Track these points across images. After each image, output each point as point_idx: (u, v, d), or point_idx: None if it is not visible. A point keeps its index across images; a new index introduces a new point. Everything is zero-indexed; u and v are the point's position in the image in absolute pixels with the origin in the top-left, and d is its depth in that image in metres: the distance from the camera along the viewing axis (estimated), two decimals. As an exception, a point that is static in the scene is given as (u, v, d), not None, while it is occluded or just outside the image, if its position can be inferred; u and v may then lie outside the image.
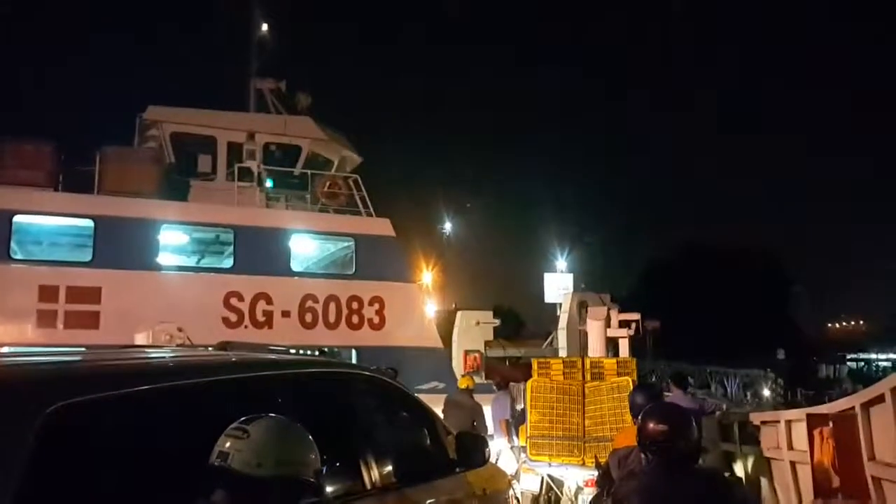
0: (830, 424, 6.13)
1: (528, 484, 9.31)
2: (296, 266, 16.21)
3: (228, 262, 15.69)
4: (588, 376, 9.26)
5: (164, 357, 4.11)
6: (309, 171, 17.16)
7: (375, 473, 4.01)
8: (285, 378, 3.96)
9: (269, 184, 16.76)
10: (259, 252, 15.37)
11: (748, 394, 27.50)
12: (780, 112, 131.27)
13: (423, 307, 17.24)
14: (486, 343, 21.55)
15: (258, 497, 2.39)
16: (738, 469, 8.69)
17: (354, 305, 15.90)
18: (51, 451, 2.46)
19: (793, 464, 7.11)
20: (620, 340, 15.69)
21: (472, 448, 5.05)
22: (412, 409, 5.16)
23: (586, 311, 17.21)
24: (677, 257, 69.09)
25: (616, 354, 14.98)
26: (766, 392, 26.90)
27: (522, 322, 44.08)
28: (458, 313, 22.02)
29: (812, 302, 72.12)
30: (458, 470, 4.93)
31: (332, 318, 15.62)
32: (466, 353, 20.65)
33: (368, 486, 3.92)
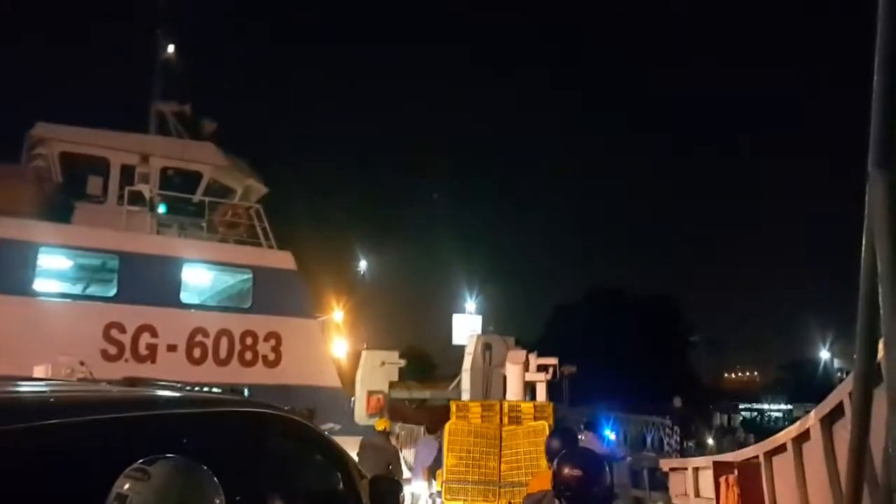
0: (735, 472, 6.32)
1: None
2: (186, 297, 15.50)
3: (111, 291, 14.80)
4: (506, 420, 9.30)
5: (59, 391, 3.92)
6: (206, 199, 16.52)
7: None
8: (193, 417, 3.85)
9: (161, 209, 16.02)
10: (146, 281, 14.59)
11: (648, 440, 27.96)
12: (689, 154, 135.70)
13: (323, 345, 16.76)
14: (391, 384, 21.05)
15: None
16: (647, 514, 8.83)
17: (248, 341, 15.27)
18: None
19: (699, 510, 7.27)
20: (538, 384, 15.78)
21: (386, 493, 5.02)
22: (326, 451, 5.05)
23: (490, 354, 17.26)
24: (582, 301, 70.40)
25: (533, 398, 15.05)
26: (665, 439, 27.44)
27: (434, 363, 44.03)
28: (363, 353, 21.62)
29: (710, 352, 74.70)
30: (370, 514, 4.81)
31: (223, 354, 14.92)
32: (370, 393, 19.97)
33: None
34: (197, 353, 14.57)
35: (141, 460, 2.39)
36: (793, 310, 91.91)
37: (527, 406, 9.98)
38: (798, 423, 5.58)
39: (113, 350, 13.86)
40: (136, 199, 15.45)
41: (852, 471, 3.06)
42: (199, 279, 16.43)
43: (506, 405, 9.76)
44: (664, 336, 65.24)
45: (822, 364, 56.22)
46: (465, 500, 9.15)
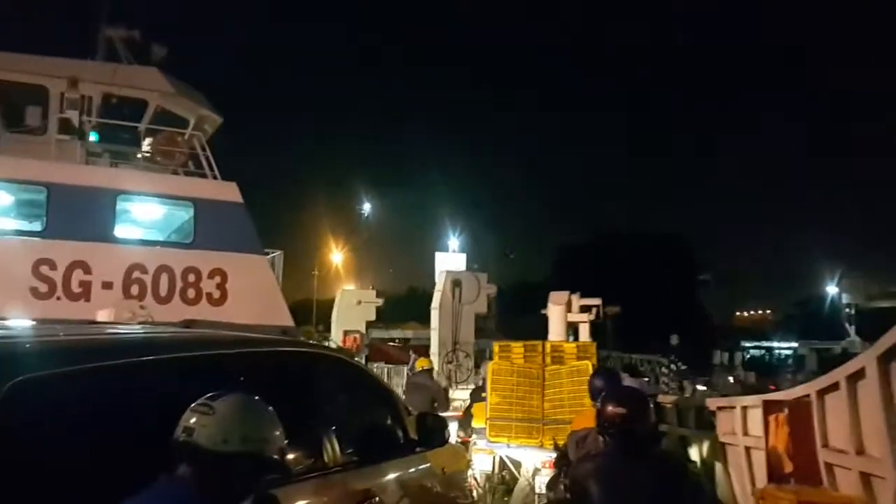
0: (786, 411, 6.43)
1: (482, 464, 9.45)
2: (121, 232, 14.84)
3: (39, 226, 14.25)
4: (548, 360, 9.42)
5: (126, 333, 4.13)
6: (142, 126, 15.82)
7: (337, 452, 4.24)
8: (249, 356, 4.14)
9: (93, 138, 15.24)
10: (76, 215, 13.95)
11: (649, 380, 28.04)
12: (699, 93, 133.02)
13: (273, 282, 16.04)
14: (368, 323, 20.93)
15: (222, 473, 2.55)
16: (694, 453, 8.92)
17: (191, 278, 14.59)
18: (11, 424, 2.62)
19: (747, 449, 7.47)
20: (580, 325, 15.81)
21: (433, 429, 5.39)
22: (374, 388, 5.29)
23: (460, 290, 17.12)
24: (589, 242, 70.38)
25: (576, 339, 15.13)
26: (661, 378, 27.37)
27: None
28: (339, 292, 21.41)
29: (721, 290, 74.40)
30: (418, 450, 5.10)
31: (163, 292, 14.32)
32: (346, 333, 20.04)
33: (329, 464, 4.15)
34: (135, 290, 14.01)
35: (206, 396, 2.63)
36: (806, 245, 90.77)
37: (569, 346, 10.16)
38: (852, 360, 5.56)
39: (43, 288, 13.44)
40: (68, 127, 14.72)
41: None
42: (135, 212, 15.79)
43: (548, 345, 9.97)
44: (673, 275, 65.05)
45: (829, 300, 55.11)
46: (508, 437, 9.35)
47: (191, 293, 14.47)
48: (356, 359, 5.60)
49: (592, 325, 16.30)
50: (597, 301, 16.53)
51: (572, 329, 16.42)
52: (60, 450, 2.73)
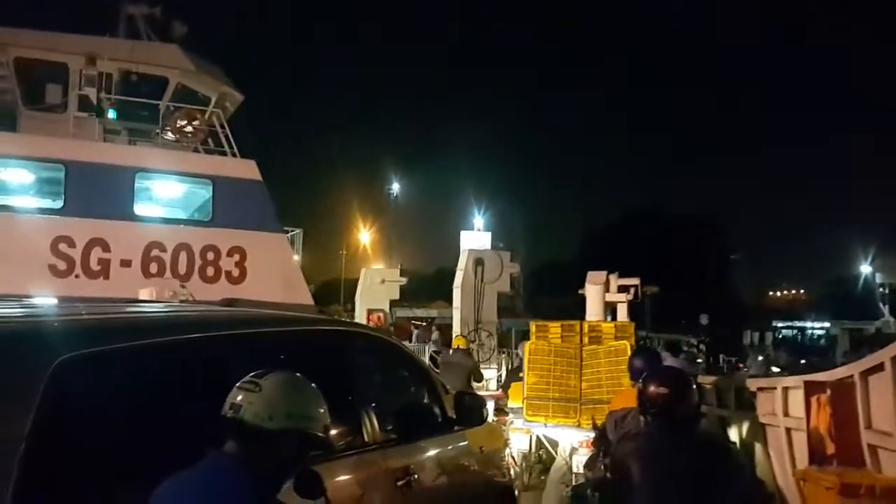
0: (828, 392, 6.35)
1: (519, 443, 9.48)
2: (140, 210, 14.91)
3: (58, 203, 14.34)
4: (586, 340, 9.41)
5: (172, 312, 4.23)
6: (160, 103, 15.80)
7: (376, 430, 4.35)
8: (292, 334, 4.26)
9: (111, 115, 15.29)
10: (95, 192, 14.02)
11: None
12: (734, 69, 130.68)
13: (292, 260, 16.13)
14: (392, 302, 20.86)
15: (268, 449, 2.60)
16: (733, 434, 8.86)
17: (210, 256, 14.63)
18: (59, 401, 2.68)
19: (788, 430, 7.44)
20: (619, 305, 15.71)
21: (471, 407, 5.43)
22: (412, 367, 5.40)
23: (482, 269, 16.96)
24: (618, 221, 69.88)
25: (614, 319, 15.06)
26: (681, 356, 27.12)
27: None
28: (363, 270, 21.25)
29: (753, 270, 73.42)
30: (456, 428, 5.12)
31: (182, 269, 14.33)
32: (370, 311, 19.97)
33: (369, 442, 4.25)
34: (153, 268, 14.09)
35: (252, 373, 2.68)
36: (839, 225, 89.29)
37: (607, 326, 10.18)
38: (898, 342, 5.46)
39: (62, 266, 13.56)
40: (86, 104, 14.81)
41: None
42: (153, 190, 15.91)
43: (586, 325, 9.97)
44: (704, 254, 64.38)
45: (862, 279, 54.11)
46: (546, 416, 9.37)
47: (209, 271, 14.55)
48: (394, 337, 5.62)
49: (630, 305, 16.19)
50: (635, 281, 16.42)
51: (610, 309, 16.34)
52: (107, 426, 2.80)
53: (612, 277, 16.24)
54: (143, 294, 10.13)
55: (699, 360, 24.31)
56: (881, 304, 44.18)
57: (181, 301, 7.94)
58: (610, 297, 16.08)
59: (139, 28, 16.78)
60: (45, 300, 5.41)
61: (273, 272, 14.98)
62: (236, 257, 14.73)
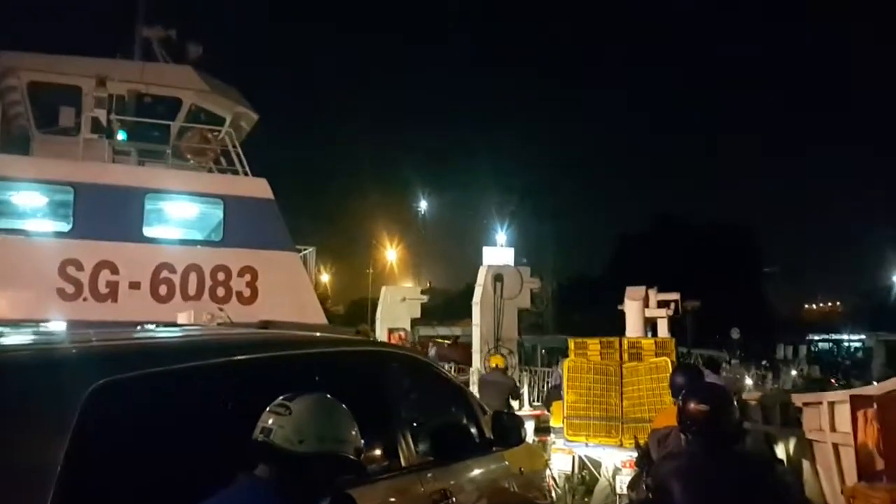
0: (875, 406, 6.17)
1: (561, 464, 9.34)
2: (150, 231, 14.80)
3: (66, 226, 14.26)
4: (626, 357, 9.30)
5: (206, 335, 4.24)
6: (174, 124, 15.80)
7: (412, 452, 4.32)
8: (326, 356, 4.23)
9: (121, 136, 15.21)
10: (104, 214, 13.91)
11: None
12: (770, 78, 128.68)
13: (306, 279, 15.85)
14: (413, 321, 20.50)
15: (299, 473, 2.60)
16: (780, 451, 8.68)
17: (221, 276, 14.45)
18: (94, 425, 2.70)
19: (835, 446, 7.28)
20: (659, 320, 15.46)
21: (509, 427, 5.35)
22: (448, 388, 5.30)
23: (501, 285, 16.72)
24: (648, 233, 69.03)
25: (654, 335, 14.81)
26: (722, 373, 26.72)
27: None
28: (383, 289, 21.00)
29: (791, 283, 71.91)
30: (494, 449, 5.06)
31: (192, 291, 14.20)
32: (391, 331, 19.65)
33: (405, 465, 4.21)
34: (163, 290, 13.98)
35: (283, 396, 2.70)
36: (875, 235, 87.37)
37: (647, 342, 10.02)
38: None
39: (70, 289, 13.45)
40: (97, 126, 14.81)
41: None
42: (163, 211, 15.79)
43: (625, 342, 9.84)
44: (737, 267, 63.48)
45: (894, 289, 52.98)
46: (587, 436, 9.25)
47: (220, 291, 14.39)
48: (427, 357, 5.60)
49: (670, 320, 15.93)
50: (675, 296, 16.16)
51: (650, 324, 16.09)
52: (142, 450, 2.82)
53: (652, 292, 16.00)
54: (182, 318, 10.24)
55: (740, 376, 23.99)
56: (918, 315, 43.27)
57: (218, 324, 7.99)
58: (650, 313, 15.85)
59: (154, 51, 16.92)
60: (78, 330, 5.49)
61: (285, 291, 14.85)
62: (247, 277, 14.60)
